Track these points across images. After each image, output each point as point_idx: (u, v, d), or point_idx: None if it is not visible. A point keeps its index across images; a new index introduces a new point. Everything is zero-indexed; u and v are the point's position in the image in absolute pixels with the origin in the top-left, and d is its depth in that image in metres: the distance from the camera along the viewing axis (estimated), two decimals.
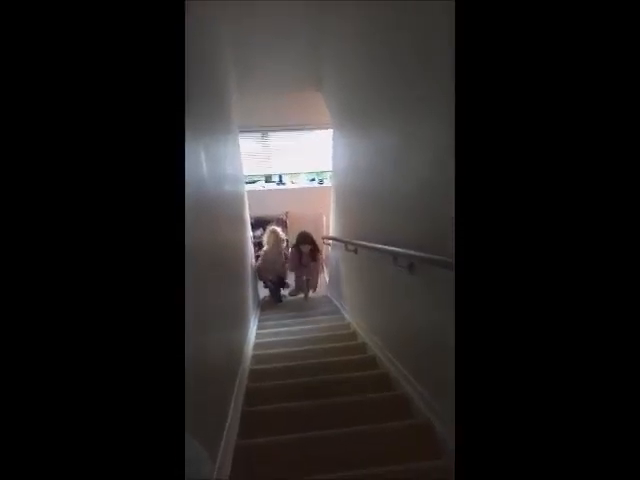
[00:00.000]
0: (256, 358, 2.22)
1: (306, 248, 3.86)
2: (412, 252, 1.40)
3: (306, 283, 4.03)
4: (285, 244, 4.08)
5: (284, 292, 4.12)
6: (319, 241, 4.06)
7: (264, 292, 4.11)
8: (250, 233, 3.75)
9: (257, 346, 2.46)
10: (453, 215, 0.50)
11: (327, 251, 4.33)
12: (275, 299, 4.01)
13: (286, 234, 4.30)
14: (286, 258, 4.05)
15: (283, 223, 4.88)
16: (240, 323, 2.18)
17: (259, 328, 2.96)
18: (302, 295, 4.07)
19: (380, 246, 1.82)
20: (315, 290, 4.12)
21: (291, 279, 4.13)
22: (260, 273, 3.87)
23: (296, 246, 3.90)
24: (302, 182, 5.13)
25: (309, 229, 4.04)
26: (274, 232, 4.00)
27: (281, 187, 5.01)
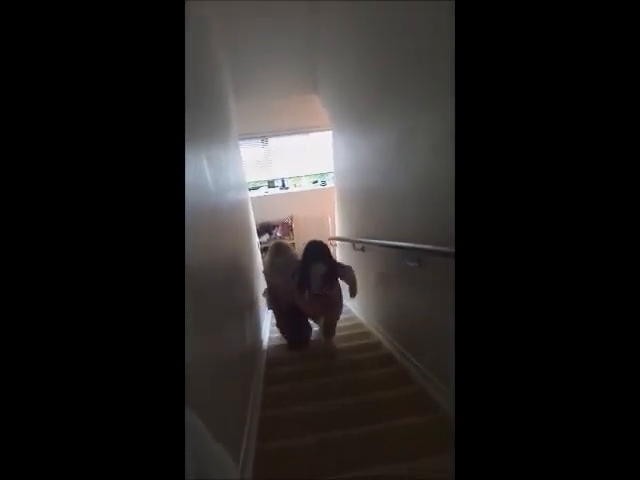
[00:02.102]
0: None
1: (319, 269, 2.25)
2: (420, 245, 1.39)
3: (322, 322, 2.47)
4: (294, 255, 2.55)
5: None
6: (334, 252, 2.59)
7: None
8: (257, 240, 3.73)
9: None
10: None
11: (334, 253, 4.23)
12: (294, 341, 2.45)
13: (292, 237, 3.62)
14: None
15: (288, 227, 4.89)
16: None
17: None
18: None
19: (387, 242, 1.82)
20: (334, 332, 2.46)
21: None
22: (270, 300, 2.53)
23: (304, 266, 2.29)
24: (305, 185, 5.14)
25: (315, 231, 2.89)
26: (276, 246, 2.54)
27: (284, 191, 5.02)
